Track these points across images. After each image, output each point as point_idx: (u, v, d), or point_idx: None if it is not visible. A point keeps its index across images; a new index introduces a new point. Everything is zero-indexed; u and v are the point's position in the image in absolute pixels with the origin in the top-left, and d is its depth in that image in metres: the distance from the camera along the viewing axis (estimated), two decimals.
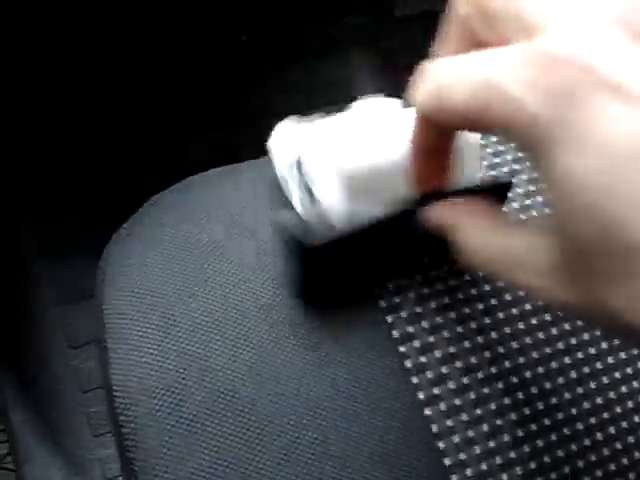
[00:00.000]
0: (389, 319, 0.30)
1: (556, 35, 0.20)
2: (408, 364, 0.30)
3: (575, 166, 0.19)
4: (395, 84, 0.87)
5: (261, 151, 0.37)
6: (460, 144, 0.28)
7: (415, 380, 0.30)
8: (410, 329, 0.30)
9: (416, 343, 0.30)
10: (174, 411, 0.28)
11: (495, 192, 0.30)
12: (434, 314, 0.31)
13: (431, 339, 0.30)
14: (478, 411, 0.30)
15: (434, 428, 0.29)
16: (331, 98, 0.84)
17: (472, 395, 0.30)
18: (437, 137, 0.25)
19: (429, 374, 0.30)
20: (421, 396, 0.29)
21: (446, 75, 0.22)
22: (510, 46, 0.21)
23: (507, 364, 0.31)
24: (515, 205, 0.34)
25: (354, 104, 0.32)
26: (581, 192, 0.19)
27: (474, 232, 0.25)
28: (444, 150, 0.26)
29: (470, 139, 0.29)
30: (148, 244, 0.32)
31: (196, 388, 0.28)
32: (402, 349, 0.30)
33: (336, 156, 0.28)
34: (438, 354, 0.30)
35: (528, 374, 0.31)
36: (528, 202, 0.34)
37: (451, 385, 0.30)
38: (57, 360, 0.68)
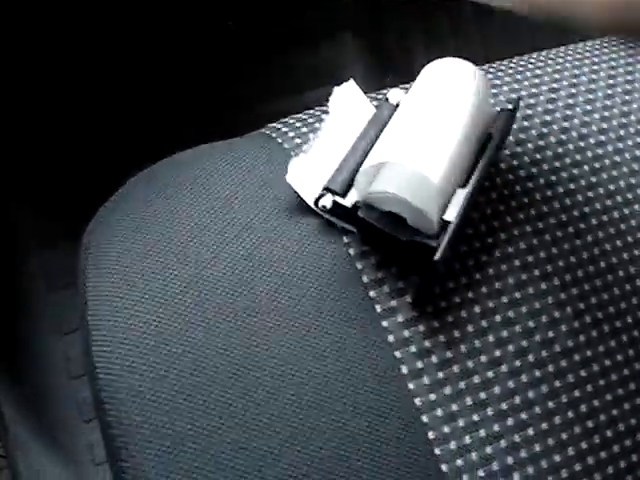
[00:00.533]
0: (372, 294, 0.30)
1: None
2: (391, 338, 0.30)
3: None
4: (386, 67, 0.86)
5: None
6: None
7: (398, 355, 0.30)
8: (394, 303, 0.30)
9: (400, 318, 0.30)
10: (155, 387, 0.28)
11: None
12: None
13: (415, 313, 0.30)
14: (462, 384, 0.30)
15: (417, 402, 0.29)
16: (321, 82, 0.83)
17: (455, 369, 0.30)
18: None
19: (413, 348, 0.30)
20: (404, 370, 0.29)
21: None
22: None
23: (491, 338, 0.31)
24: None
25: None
26: None
27: None
28: None
29: None
30: (131, 221, 0.31)
31: (177, 364, 0.28)
32: (385, 324, 0.30)
33: (423, 177, 0.28)
34: (422, 328, 0.30)
35: (511, 347, 0.31)
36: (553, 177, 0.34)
37: (434, 359, 0.30)
38: (48, 348, 0.68)
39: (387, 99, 0.34)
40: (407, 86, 0.36)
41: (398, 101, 0.33)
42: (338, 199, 0.30)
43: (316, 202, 0.31)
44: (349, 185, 0.31)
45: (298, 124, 0.35)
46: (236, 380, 0.28)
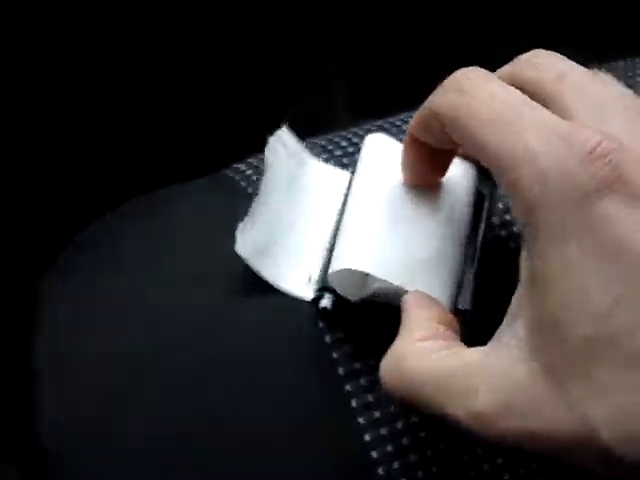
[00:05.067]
0: (348, 387, 0.28)
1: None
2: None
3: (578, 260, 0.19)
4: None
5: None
6: None
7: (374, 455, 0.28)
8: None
9: None
10: (99, 457, 0.26)
11: None
12: None
13: None
14: None
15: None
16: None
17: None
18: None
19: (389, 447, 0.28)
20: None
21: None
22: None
23: None
24: None
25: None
26: (582, 292, 0.18)
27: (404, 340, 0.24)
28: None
29: None
30: (83, 274, 0.30)
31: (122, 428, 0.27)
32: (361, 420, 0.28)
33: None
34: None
35: None
36: None
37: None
38: None
39: None
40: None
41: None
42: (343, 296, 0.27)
43: (314, 302, 0.28)
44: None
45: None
46: (193, 439, 0.27)
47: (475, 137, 0.21)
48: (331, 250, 0.28)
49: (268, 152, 0.30)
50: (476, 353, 0.21)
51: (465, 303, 0.27)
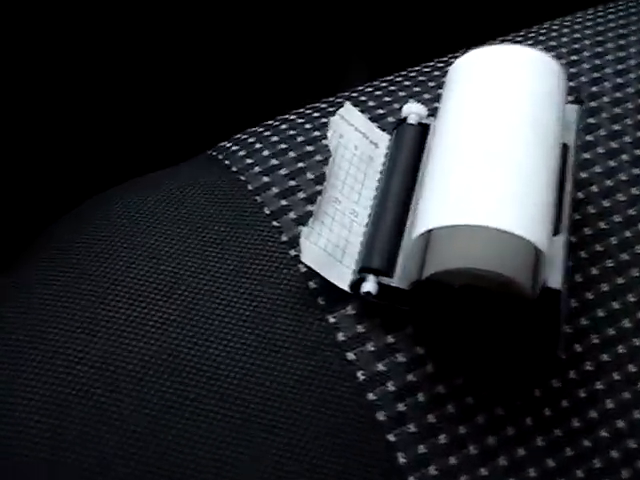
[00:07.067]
0: (370, 396, 0.21)
1: None
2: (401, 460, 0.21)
3: None
4: None
5: None
6: None
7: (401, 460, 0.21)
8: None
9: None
10: None
11: None
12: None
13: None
14: None
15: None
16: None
17: None
18: None
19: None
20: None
21: None
22: None
23: None
24: None
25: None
26: None
27: None
28: None
29: None
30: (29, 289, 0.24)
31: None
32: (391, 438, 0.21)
33: (516, 239, 0.18)
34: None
35: None
36: None
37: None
38: None
39: (405, 119, 0.24)
40: (426, 95, 0.27)
41: (419, 120, 0.24)
42: (386, 281, 0.21)
43: (354, 288, 0.22)
44: (393, 255, 0.22)
45: (251, 139, 0.27)
46: None
47: None
48: (375, 223, 0.22)
49: (332, 135, 0.24)
50: None
51: (556, 282, 0.19)
